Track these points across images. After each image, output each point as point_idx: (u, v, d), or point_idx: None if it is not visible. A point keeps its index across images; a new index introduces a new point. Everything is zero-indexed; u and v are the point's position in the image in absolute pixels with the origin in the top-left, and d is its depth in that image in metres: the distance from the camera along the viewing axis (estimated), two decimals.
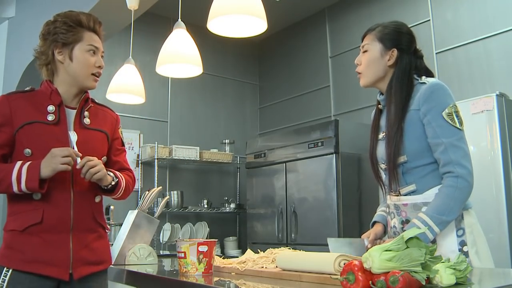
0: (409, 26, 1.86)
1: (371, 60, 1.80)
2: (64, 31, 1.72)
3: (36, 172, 1.58)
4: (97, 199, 1.79)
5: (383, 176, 1.83)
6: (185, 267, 1.59)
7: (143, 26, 4.54)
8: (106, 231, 1.84)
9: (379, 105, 1.86)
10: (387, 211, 1.83)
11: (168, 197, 4.78)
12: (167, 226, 4.74)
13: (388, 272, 1.08)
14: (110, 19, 3.52)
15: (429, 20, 4.11)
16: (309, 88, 5.36)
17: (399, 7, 4.41)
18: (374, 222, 1.91)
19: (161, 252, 4.53)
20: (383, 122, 1.82)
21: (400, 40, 1.79)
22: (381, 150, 1.78)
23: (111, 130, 1.86)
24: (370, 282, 1.10)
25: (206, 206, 5.16)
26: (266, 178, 4.54)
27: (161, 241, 4.70)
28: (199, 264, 1.58)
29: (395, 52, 1.77)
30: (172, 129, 5.34)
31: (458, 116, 1.64)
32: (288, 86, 5.64)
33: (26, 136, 1.65)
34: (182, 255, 1.59)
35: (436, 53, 4.03)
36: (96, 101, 1.88)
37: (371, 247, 1.79)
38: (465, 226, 1.64)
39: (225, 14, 1.86)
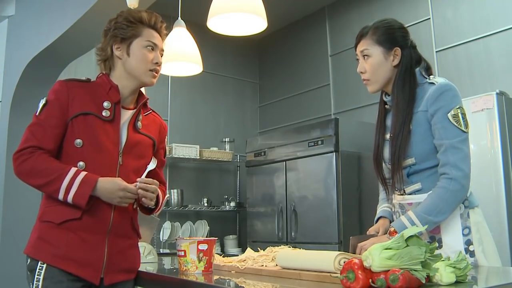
0: (409, 24, 1.86)
1: (376, 65, 1.74)
2: (124, 27, 1.71)
3: (88, 189, 1.52)
4: (135, 205, 1.76)
5: (387, 175, 1.81)
6: (185, 266, 1.59)
7: None
8: (139, 239, 1.80)
9: (385, 105, 1.83)
10: (393, 210, 1.82)
11: (168, 195, 4.78)
12: (167, 225, 4.74)
13: (388, 270, 1.09)
14: (109, 17, 3.51)
15: (429, 18, 4.10)
16: (309, 86, 5.35)
17: (399, 5, 4.40)
18: (380, 218, 1.89)
19: (161, 251, 4.55)
20: (389, 122, 1.79)
21: (397, 38, 1.75)
22: (388, 150, 1.76)
23: (158, 138, 1.82)
24: (370, 280, 1.10)
25: (206, 204, 5.16)
26: (266, 176, 4.53)
27: (161, 240, 4.70)
28: (199, 263, 1.58)
29: (398, 51, 1.73)
30: (172, 127, 5.33)
31: (464, 118, 1.62)
32: (288, 85, 5.64)
33: (79, 126, 1.60)
34: (182, 253, 1.59)
35: (436, 52, 4.02)
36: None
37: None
38: (471, 224, 1.64)
39: (225, 13, 1.86)
